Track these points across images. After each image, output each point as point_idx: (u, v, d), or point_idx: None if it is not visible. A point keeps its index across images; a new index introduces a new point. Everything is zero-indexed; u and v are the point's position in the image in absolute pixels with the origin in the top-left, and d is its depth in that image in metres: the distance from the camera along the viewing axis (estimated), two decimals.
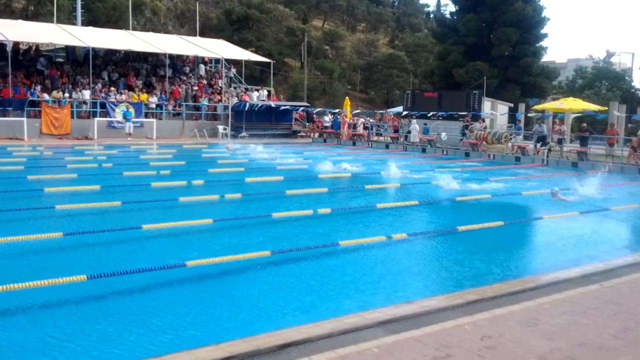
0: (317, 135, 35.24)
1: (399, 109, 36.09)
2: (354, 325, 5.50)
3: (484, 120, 29.32)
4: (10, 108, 26.42)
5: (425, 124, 29.74)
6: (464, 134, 28.04)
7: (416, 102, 31.37)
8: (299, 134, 35.61)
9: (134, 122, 28.74)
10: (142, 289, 6.94)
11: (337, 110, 35.68)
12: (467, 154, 26.61)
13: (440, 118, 29.47)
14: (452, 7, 63.15)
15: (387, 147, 30.56)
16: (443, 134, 28.49)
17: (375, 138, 32.54)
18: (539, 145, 25.16)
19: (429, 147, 28.80)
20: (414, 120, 30.09)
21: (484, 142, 26.75)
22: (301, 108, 35.87)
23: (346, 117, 34.82)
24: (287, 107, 34.61)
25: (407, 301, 6.46)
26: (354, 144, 31.80)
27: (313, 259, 8.48)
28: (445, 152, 27.55)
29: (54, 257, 8.29)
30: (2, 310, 6.03)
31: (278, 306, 6.58)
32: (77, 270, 6.95)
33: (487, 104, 32.51)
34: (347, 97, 39.22)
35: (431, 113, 29.72)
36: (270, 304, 6.61)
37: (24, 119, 25.81)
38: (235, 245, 8.97)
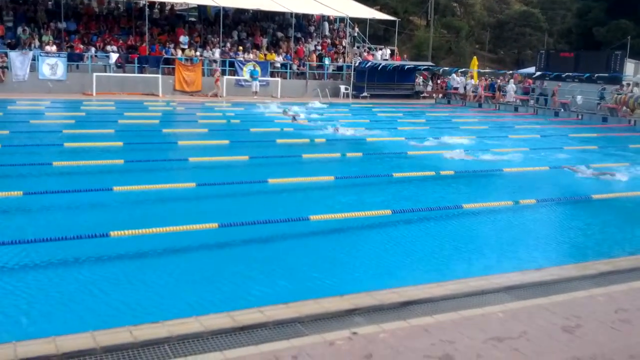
0: (440, 96, 34.32)
1: (531, 69, 34.17)
2: (478, 289, 5.39)
3: (628, 85, 27.03)
4: (147, 65, 28.11)
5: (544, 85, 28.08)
6: (602, 98, 26.06)
7: (550, 62, 29.52)
8: (421, 95, 34.89)
9: (260, 81, 29.53)
10: (268, 239, 7.21)
11: (463, 70, 34.44)
12: (604, 119, 24.78)
13: (577, 80, 27.55)
14: None
15: (515, 109, 29.13)
16: (579, 97, 26.67)
17: (503, 100, 31.12)
18: None
19: (562, 110, 27.12)
20: (511, 81, 30.88)
21: (625, 107, 24.73)
22: (425, 67, 35.03)
23: (472, 77, 33.57)
24: (411, 66, 33.92)
25: (535, 268, 6.22)
26: (479, 105, 30.64)
27: (436, 220, 8.36)
28: (580, 117, 25.83)
29: (188, 206, 8.82)
30: (141, 253, 6.50)
31: (400, 265, 6.59)
32: (209, 218, 7.33)
33: (630, 66, 29.90)
34: (474, 57, 37.68)
35: (566, 74, 27.85)
36: (392, 262, 6.63)
37: (159, 76, 27.36)
38: (356, 202, 9.03)
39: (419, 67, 34.72)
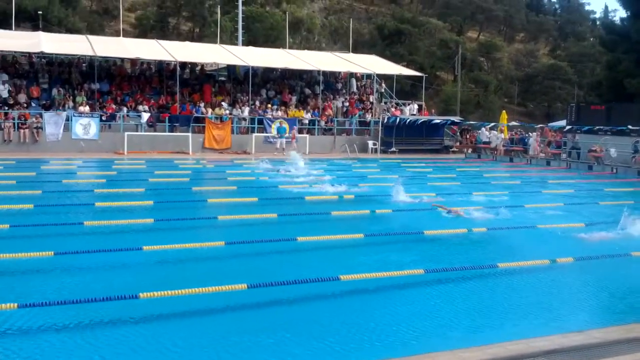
0: (470, 150, 34.18)
1: (562, 122, 33.92)
2: (518, 353, 5.20)
3: None
4: (177, 124, 28.72)
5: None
6: (636, 151, 25.60)
7: (581, 115, 29.25)
8: (451, 150, 34.80)
9: (286, 138, 29.91)
10: (298, 299, 7.07)
11: (492, 124, 34.35)
12: None
13: (609, 133, 27.18)
14: (622, 13, 58.60)
15: (548, 163, 28.76)
16: (612, 150, 26.24)
17: (534, 154, 30.77)
18: None
19: (595, 164, 26.68)
20: (533, 134, 31.09)
21: None
22: (452, 122, 35.07)
23: (502, 131, 33.42)
24: (439, 121, 34.00)
25: (576, 331, 5.94)
26: (511, 160, 30.37)
27: (469, 280, 8.12)
28: (614, 171, 25.34)
29: (217, 265, 8.75)
30: (167, 314, 6.41)
31: (433, 328, 6.36)
32: (238, 278, 7.23)
33: None
34: (504, 111, 37.67)
35: (597, 127, 27.52)
36: (425, 325, 6.41)
37: (189, 134, 27.88)
38: (386, 261, 8.85)
39: (448, 122, 34.76)
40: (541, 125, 36.57)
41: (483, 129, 33.85)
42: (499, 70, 65.00)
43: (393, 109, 35.28)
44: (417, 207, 13.64)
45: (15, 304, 6.10)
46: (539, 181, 20.95)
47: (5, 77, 27.86)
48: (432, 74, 54.17)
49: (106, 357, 5.32)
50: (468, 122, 37.00)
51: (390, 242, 10.32)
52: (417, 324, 6.41)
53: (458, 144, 35.61)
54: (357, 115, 33.48)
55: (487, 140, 32.96)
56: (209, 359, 5.37)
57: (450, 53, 58.64)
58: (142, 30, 52.94)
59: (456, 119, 36.43)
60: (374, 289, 7.51)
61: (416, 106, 36.13)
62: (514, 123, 38.11)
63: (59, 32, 39.69)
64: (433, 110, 39.73)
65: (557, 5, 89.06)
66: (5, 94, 26.83)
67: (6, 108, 25.96)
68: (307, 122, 31.99)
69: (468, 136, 35.84)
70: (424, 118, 33.64)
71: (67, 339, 5.66)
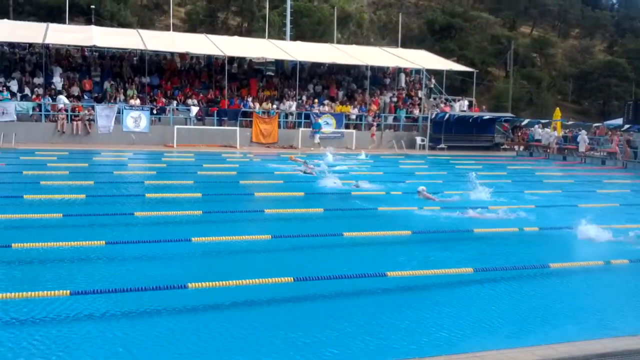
0: (522, 148, 33.39)
1: (618, 121, 32.78)
2: (568, 355, 5.02)
3: None
4: (226, 118, 29.03)
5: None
6: None
7: (639, 114, 28.19)
8: (501, 147, 34.08)
9: (333, 133, 29.93)
10: (344, 294, 7.01)
11: (545, 121, 33.46)
12: None
13: None
14: None
15: (603, 163, 27.83)
16: None
17: (590, 152, 29.83)
18: None
19: None
20: (583, 131, 30.06)
21: None
22: (504, 118, 34.33)
23: (556, 129, 32.53)
24: (490, 117, 33.32)
25: (631, 335, 5.70)
26: (564, 158, 29.52)
27: (519, 280, 7.89)
28: None
29: (263, 258, 8.77)
30: (215, 305, 6.44)
31: (481, 327, 6.21)
32: (284, 271, 7.22)
33: None
34: (557, 108, 36.68)
35: None
36: (471, 323, 6.27)
37: (237, 129, 28.15)
38: (435, 259, 8.70)
39: (499, 119, 34.04)
40: (597, 123, 35.40)
41: (536, 126, 33.00)
42: (553, 66, 63.32)
43: (442, 105, 34.78)
44: (465, 204, 13.38)
45: (68, 291, 6.24)
46: (593, 180, 20.27)
47: (60, 70, 28.69)
48: (483, 69, 53.13)
49: (155, 345, 5.38)
50: (520, 119, 36.13)
51: (438, 239, 10.14)
52: (465, 322, 6.28)
53: (509, 141, 34.86)
54: (404, 111, 33.13)
55: (540, 137, 32.13)
56: (254, 350, 5.36)
57: (502, 48, 57.42)
58: (191, 24, 53.78)
59: (508, 115, 35.65)
60: (421, 287, 7.39)
61: (466, 102, 35.51)
62: (572, 122, 37.04)
63: (111, 26, 40.65)
64: (484, 107, 38.97)
65: (614, 0, 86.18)
66: (59, 87, 27.65)
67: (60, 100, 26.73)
68: (354, 117, 31.84)
69: (520, 133, 35.04)
70: (474, 114, 33.05)
71: (117, 327, 5.76)
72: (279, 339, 5.63)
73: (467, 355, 5.02)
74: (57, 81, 27.87)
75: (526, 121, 34.53)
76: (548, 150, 31.03)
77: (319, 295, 6.90)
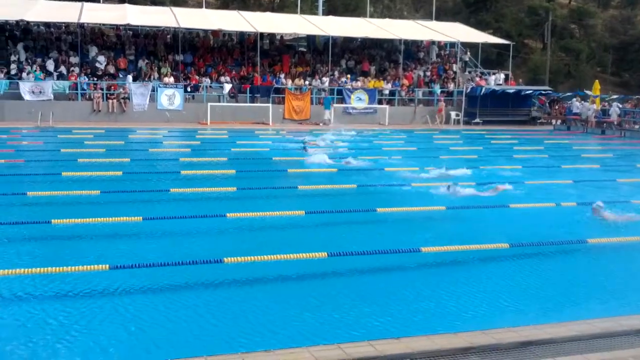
0: (559, 122, 32.66)
1: None
2: (606, 331, 5.00)
3: None
4: (258, 95, 29.06)
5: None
6: None
7: None
8: (538, 121, 33.38)
9: (366, 109, 29.74)
10: (378, 269, 7.02)
11: (584, 93, 32.59)
12: None
13: None
14: None
15: None
16: None
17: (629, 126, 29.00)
18: None
19: None
20: (615, 104, 29.37)
21: None
22: (541, 92, 33.56)
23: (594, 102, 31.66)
24: (526, 91, 32.61)
25: None
26: (602, 132, 28.78)
27: (556, 256, 7.78)
28: None
29: (297, 233, 8.82)
30: (250, 279, 6.52)
31: (518, 302, 6.18)
32: (318, 247, 7.25)
33: None
34: (596, 81, 35.65)
35: None
36: (509, 299, 6.25)
37: (269, 105, 28.16)
38: (468, 234, 8.61)
39: (536, 92, 33.30)
40: (638, 96, 34.33)
41: (574, 99, 32.19)
42: (592, 37, 61.36)
43: (478, 79, 34.16)
44: (501, 179, 13.19)
45: (107, 265, 6.38)
46: (632, 154, 19.75)
47: (95, 49, 29.03)
48: (519, 42, 51.85)
49: (192, 318, 5.49)
50: (558, 94, 35.28)
51: (473, 216, 10.02)
52: (500, 298, 6.25)
53: (546, 115, 34.13)
54: (438, 85, 32.65)
55: (578, 111, 31.35)
56: (288, 324, 5.43)
57: (540, 20, 55.91)
58: (224, 1, 53.63)
59: (545, 89, 34.83)
60: (456, 262, 7.36)
61: (502, 76, 34.78)
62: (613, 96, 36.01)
63: (144, 4, 40.78)
64: (520, 80, 38.11)
65: None
66: (102, 65, 28.02)
67: (95, 79, 27.09)
68: (387, 92, 31.53)
69: (557, 107, 34.25)
70: (510, 88, 32.38)
71: (155, 300, 5.89)
72: (312, 313, 5.68)
73: (505, 330, 4.99)
74: (102, 60, 28.21)
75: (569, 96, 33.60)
76: (586, 124, 30.28)
77: (353, 271, 6.93)
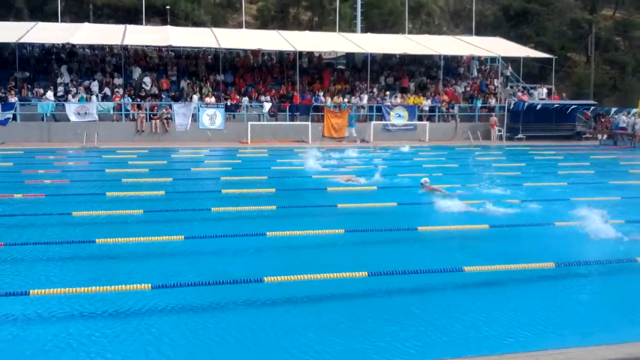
0: (605, 137, 31.81)
1: None
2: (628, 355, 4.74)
3: None
4: (298, 113, 29.24)
5: None
6: None
7: None
8: (583, 136, 32.60)
9: (405, 126, 29.58)
10: (418, 289, 6.90)
11: (635, 111, 31.63)
12: None
13: None
14: None
15: None
16: None
17: None
18: None
19: None
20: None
21: None
22: (585, 106, 32.79)
23: None
24: (570, 105, 31.91)
25: None
26: None
27: (607, 275, 7.51)
28: None
29: (337, 252, 8.75)
30: (290, 298, 6.48)
31: (565, 323, 5.98)
32: (358, 266, 7.17)
33: None
34: None
35: None
36: (554, 320, 6.05)
37: (309, 123, 28.31)
38: (512, 253, 8.39)
39: (580, 107, 32.55)
40: None
41: (620, 113, 31.32)
42: (638, 50, 59.87)
43: (520, 94, 33.64)
44: (545, 196, 12.88)
45: (149, 285, 6.43)
46: None
47: (139, 70, 29.75)
48: (562, 55, 50.94)
49: (233, 337, 5.50)
50: (603, 108, 34.40)
51: (517, 234, 9.77)
52: (547, 318, 6.05)
53: (592, 130, 33.31)
54: (480, 100, 32.27)
55: (625, 125, 30.49)
56: (328, 344, 5.37)
57: (583, 33, 54.91)
58: (263, 21, 54.42)
59: (590, 102, 34.03)
60: (499, 282, 7.16)
61: (545, 90, 34.20)
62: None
63: (186, 25, 41.74)
64: (564, 94, 37.41)
65: None
66: (148, 87, 28.67)
67: (139, 100, 27.72)
68: (427, 108, 31.31)
69: (603, 121, 33.40)
70: (554, 102, 31.76)
71: (196, 320, 5.90)
72: (353, 333, 5.60)
73: (552, 351, 4.84)
74: (147, 82, 28.89)
75: (613, 110, 32.67)
76: (634, 139, 29.39)
77: (394, 291, 6.82)
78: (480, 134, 29.74)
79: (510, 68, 36.37)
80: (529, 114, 30.51)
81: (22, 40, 27.04)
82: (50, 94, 26.65)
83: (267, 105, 28.72)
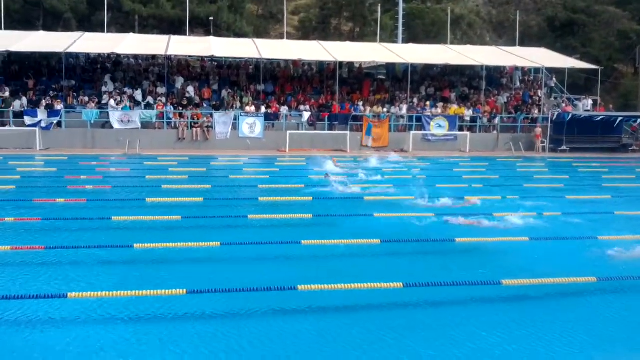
0: None
1: None
2: None
3: None
4: (337, 122, 29.24)
5: None
6: None
7: None
8: (630, 148, 31.67)
9: (446, 136, 29.27)
10: (455, 302, 6.77)
11: None
12: None
13: None
14: None
15: None
16: None
17: None
18: None
19: None
20: None
21: None
22: (632, 118, 31.88)
23: None
24: (616, 117, 31.06)
25: None
26: None
27: None
28: None
29: (372, 262, 8.67)
30: (324, 307, 6.44)
31: (606, 341, 5.76)
32: (393, 276, 7.09)
33: None
34: None
35: None
36: (592, 337, 5.89)
37: (348, 133, 28.28)
38: (552, 266, 8.17)
39: (627, 119, 31.66)
40: None
41: None
42: None
43: (564, 105, 32.95)
44: (589, 210, 12.52)
45: (185, 290, 6.48)
46: None
47: (181, 80, 30.28)
48: (608, 66, 49.68)
49: (265, 345, 5.51)
50: None
51: (559, 247, 9.52)
52: (586, 334, 5.84)
53: (639, 142, 32.33)
54: (523, 115, 31.70)
55: None
56: (361, 355, 5.33)
57: (631, 44, 53.42)
58: (304, 32, 54.77)
59: (637, 115, 33.08)
60: (540, 296, 6.97)
61: (590, 102, 33.39)
62: None
63: (228, 36, 42.30)
64: (610, 106, 36.40)
65: None
66: (192, 95, 29.17)
67: (181, 109, 28.19)
68: (468, 119, 30.92)
69: None
70: (599, 114, 30.97)
71: (230, 325, 5.92)
72: (386, 345, 5.52)
73: None
74: (191, 91, 29.40)
75: None
76: None
77: (430, 303, 6.71)
78: (522, 145, 29.19)
79: (554, 79, 35.68)
80: (572, 125, 29.81)
81: (69, 50, 27.81)
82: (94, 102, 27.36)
83: (306, 115, 28.83)
